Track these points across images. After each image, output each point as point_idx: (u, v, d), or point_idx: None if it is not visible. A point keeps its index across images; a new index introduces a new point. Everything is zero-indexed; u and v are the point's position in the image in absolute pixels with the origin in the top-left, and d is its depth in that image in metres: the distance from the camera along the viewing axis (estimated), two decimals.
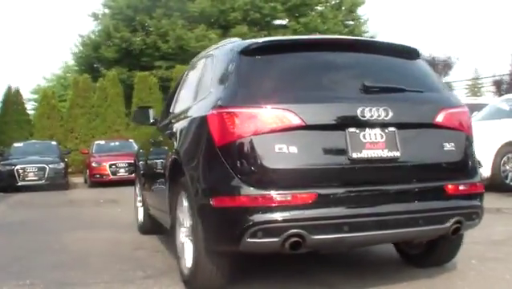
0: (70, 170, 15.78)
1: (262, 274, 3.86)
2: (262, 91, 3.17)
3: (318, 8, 28.87)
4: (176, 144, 3.79)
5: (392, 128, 3.17)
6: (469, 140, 3.43)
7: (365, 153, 3.10)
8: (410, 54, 3.68)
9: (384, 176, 3.18)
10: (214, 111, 3.13)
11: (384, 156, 3.15)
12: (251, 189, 2.95)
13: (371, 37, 29.11)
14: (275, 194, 2.93)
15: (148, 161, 5.35)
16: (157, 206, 4.69)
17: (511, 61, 21.25)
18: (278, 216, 2.92)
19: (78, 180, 17.27)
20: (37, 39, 64.84)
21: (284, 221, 2.92)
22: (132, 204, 6.85)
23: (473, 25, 60.54)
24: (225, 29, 26.75)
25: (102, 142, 17.49)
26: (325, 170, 3.08)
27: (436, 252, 3.79)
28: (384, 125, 3.16)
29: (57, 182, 14.50)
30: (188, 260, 3.52)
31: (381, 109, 3.14)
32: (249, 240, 2.93)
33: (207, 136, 3.16)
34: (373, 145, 3.13)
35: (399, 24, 72.64)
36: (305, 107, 3.07)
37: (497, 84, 18.48)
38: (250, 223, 2.91)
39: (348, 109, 3.15)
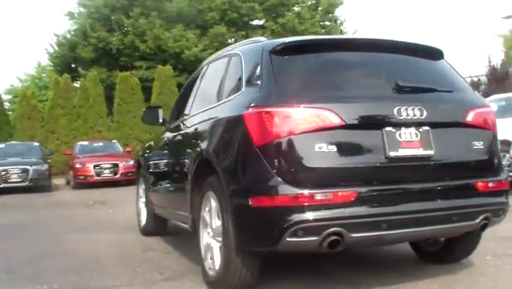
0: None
1: (283, 274, 3.87)
2: (298, 90, 3.18)
3: (296, 8, 28.96)
4: (203, 145, 3.74)
5: (426, 127, 3.21)
6: (495, 139, 3.49)
7: (401, 152, 3.13)
8: (435, 54, 3.73)
9: (419, 174, 3.22)
10: (252, 111, 3.12)
11: (419, 154, 3.18)
12: (292, 188, 2.95)
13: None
14: (316, 193, 2.94)
15: (160, 162, 5.29)
16: (172, 207, 4.64)
17: (488, 62, 21.56)
18: (318, 215, 2.93)
19: (59, 181, 16.99)
20: (8, 39, 63.42)
21: (324, 219, 2.93)
22: (121, 205, 6.88)
23: (449, 25, 61.45)
24: (203, 29, 26.61)
25: (85, 143, 17.22)
26: (364, 169, 3.10)
27: (455, 249, 3.86)
28: (418, 124, 3.19)
29: (40, 184, 14.25)
30: (215, 261, 3.50)
31: (416, 108, 3.18)
32: (288, 239, 2.93)
33: (244, 135, 3.14)
34: (409, 144, 3.15)
35: (375, 24, 73.56)
36: (344, 107, 3.08)
37: (475, 85, 18.81)
38: (291, 222, 2.91)
39: (385, 108, 3.18)
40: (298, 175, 2.99)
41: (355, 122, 3.09)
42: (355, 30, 30.71)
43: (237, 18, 27.65)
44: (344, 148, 3.05)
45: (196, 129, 4.00)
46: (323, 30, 29.11)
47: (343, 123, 3.04)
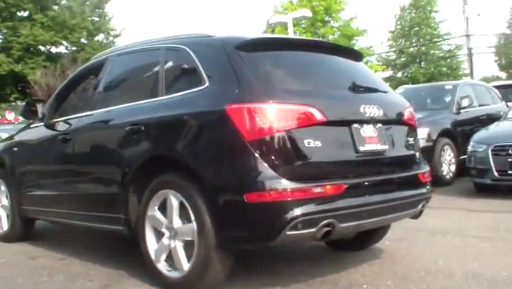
0: None
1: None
2: (282, 87, 3.32)
3: (64, 2, 27.84)
4: (155, 141, 3.61)
5: (379, 125, 3.57)
6: (417, 135, 4.03)
7: (367, 147, 3.45)
8: (360, 56, 4.14)
9: (381, 167, 3.57)
10: (240, 106, 3.12)
11: (379, 149, 3.54)
12: (289, 182, 3.04)
13: (117, 35, 29.35)
14: (312, 186, 3.09)
15: (46, 161, 4.84)
16: (82, 209, 4.26)
17: None
18: (316, 207, 3.09)
19: None
20: None
21: (321, 211, 3.10)
22: None
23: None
24: None
25: None
26: (346, 162, 3.36)
27: (371, 237, 4.29)
28: (376, 122, 3.54)
29: None
30: (180, 262, 3.41)
31: (375, 107, 3.52)
32: (289, 233, 3.03)
33: (229, 130, 3.13)
34: (371, 140, 3.48)
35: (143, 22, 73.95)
36: (325, 104, 3.29)
37: None
38: (293, 216, 3.01)
39: (354, 106, 3.47)
40: (293, 169, 3.11)
41: (335, 118, 3.32)
42: (123, 28, 30.91)
43: (4, 8, 25.76)
44: (328, 143, 3.26)
45: (133, 125, 3.73)
46: (92, 26, 28.55)
47: (325, 119, 3.24)
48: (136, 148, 3.72)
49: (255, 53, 3.45)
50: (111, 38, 29.32)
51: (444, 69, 36.74)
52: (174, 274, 3.47)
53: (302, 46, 3.79)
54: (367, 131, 3.49)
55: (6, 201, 5.41)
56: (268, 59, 3.49)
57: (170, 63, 3.83)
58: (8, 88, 27.80)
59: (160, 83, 3.77)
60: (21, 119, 32.13)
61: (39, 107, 4.84)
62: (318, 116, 3.21)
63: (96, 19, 29.28)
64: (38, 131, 4.95)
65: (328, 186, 3.14)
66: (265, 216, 3.07)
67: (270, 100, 3.13)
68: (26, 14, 27.34)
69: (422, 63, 37.58)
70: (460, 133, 9.00)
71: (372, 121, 3.53)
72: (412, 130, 3.92)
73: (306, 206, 3.05)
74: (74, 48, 27.41)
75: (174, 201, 3.44)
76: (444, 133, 8.71)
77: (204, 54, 3.57)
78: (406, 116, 3.87)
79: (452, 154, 8.71)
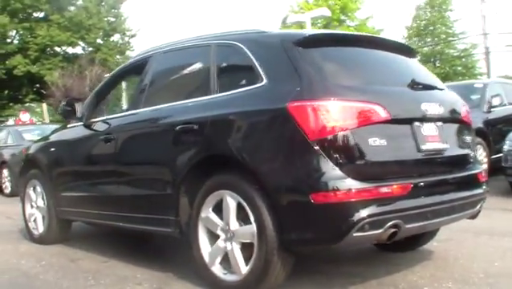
0: None
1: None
2: (345, 84, 3.20)
3: (80, 2, 27.88)
4: (209, 140, 3.50)
5: (440, 123, 3.46)
6: (473, 134, 3.90)
7: (429, 146, 3.33)
8: (414, 53, 4.02)
9: (443, 166, 3.45)
10: (302, 104, 3.01)
11: (440, 148, 3.41)
12: (357, 182, 2.94)
13: (133, 35, 29.33)
14: (378, 186, 2.98)
15: (87, 161, 4.72)
16: (130, 211, 4.15)
17: None
18: (384, 208, 2.97)
19: None
20: None
21: (388, 212, 2.99)
22: None
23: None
24: None
25: None
26: (410, 162, 3.25)
27: (421, 237, 4.14)
28: (436, 120, 3.43)
29: None
30: (238, 265, 3.30)
31: (435, 105, 3.39)
32: (355, 234, 2.91)
33: (291, 129, 3.02)
34: (432, 138, 3.36)
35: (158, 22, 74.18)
36: (388, 101, 3.18)
37: None
38: (361, 217, 2.89)
39: (415, 104, 3.36)
40: (359, 169, 3.00)
41: (398, 116, 3.20)
42: (139, 29, 30.92)
43: (21, 9, 25.86)
44: (392, 142, 3.14)
45: (185, 124, 3.62)
46: (109, 27, 28.53)
47: (390, 117, 3.13)
48: (188, 148, 3.61)
49: (314, 49, 3.33)
50: (126, 39, 29.26)
51: (460, 68, 36.48)
52: (230, 278, 3.36)
53: (359, 42, 3.66)
54: (428, 129, 3.37)
55: (41, 203, 5.32)
56: (327, 55, 3.37)
57: (222, 60, 3.72)
58: (24, 89, 27.87)
59: (212, 81, 3.66)
60: (35, 119, 32.48)
61: (78, 107, 4.75)
62: (383, 114, 3.10)
63: (112, 19, 29.21)
64: (76, 131, 4.86)
65: (395, 186, 3.02)
66: (331, 217, 2.95)
67: (334, 98, 3.02)
68: (42, 14, 27.37)
69: (437, 63, 37.30)
70: (491, 132, 8.83)
71: (433, 119, 3.41)
72: (468, 128, 3.80)
73: (374, 207, 2.94)
74: (90, 49, 27.37)
75: (231, 202, 3.32)
76: (476, 132, 8.52)
77: (260, 51, 3.45)
78: (463, 113, 3.76)
79: (484, 153, 8.55)
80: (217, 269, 3.44)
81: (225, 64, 3.72)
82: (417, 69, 3.86)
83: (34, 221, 5.43)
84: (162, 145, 3.86)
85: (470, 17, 69.73)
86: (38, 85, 27.54)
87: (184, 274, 3.83)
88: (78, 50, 28.02)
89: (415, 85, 3.48)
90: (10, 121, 30.29)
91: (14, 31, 26.69)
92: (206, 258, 3.50)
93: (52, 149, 5.12)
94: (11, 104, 30.60)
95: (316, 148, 2.95)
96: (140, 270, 4.08)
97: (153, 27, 66.50)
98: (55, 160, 5.06)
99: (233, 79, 3.63)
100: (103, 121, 4.60)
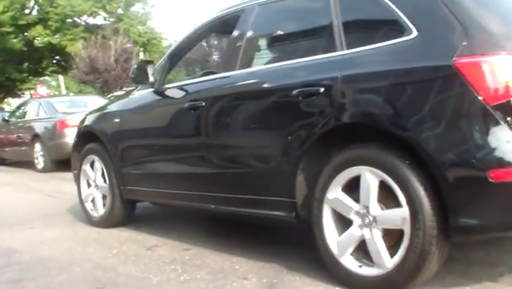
0: None
1: None
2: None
3: None
4: (347, 106, 2.78)
5: None
6: None
7: None
8: None
9: None
10: (478, 60, 2.35)
11: None
12: None
13: (154, 5, 28.39)
14: None
15: (168, 135, 4.00)
16: (228, 191, 3.48)
17: None
18: None
19: None
20: None
21: None
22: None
23: None
24: None
25: None
26: None
27: None
28: None
29: None
30: (382, 257, 2.65)
31: None
32: None
33: (461, 91, 2.37)
34: None
35: None
36: None
37: None
38: None
39: None
40: None
41: None
42: None
43: None
44: None
45: (306, 87, 2.92)
46: None
47: None
48: (309, 116, 2.91)
49: None
50: (147, 8, 28.42)
51: None
52: (368, 272, 2.72)
53: None
54: None
55: (101, 181, 4.68)
56: (490, 2, 2.73)
57: (349, 10, 2.99)
58: (44, 62, 27.27)
59: (336, 35, 2.93)
60: (51, 93, 31.76)
61: (150, 70, 4.03)
62: None
63: None
64: (146, 98, 4.16)
65: None
66: None
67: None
68: None
69: None
70: None
71: None
72: None
73: None
74: (112, 19, 26.61)
75: (372, 181, 2.66)
76: None
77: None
78: None
79: None
80: (349, 261, 2.80)
81: (353, 14, 3.01)
82: None
83: (93, 201, 4.80)
84: (272, 113, 3.14)
85: None
86: (58, 57, 26.91)
87: (299, 266, 3.18)
88: (99, 20, 27.29)
89: None
90: (27, 95, 29.83)
91: (33, 1, 25.93)
92: (334, 247, 2.85)
93: (116, 120, 4.41)
94: (30, 78, 30.06)
95: (496, 114, 2.31)
96: (236, 260, 3.43)
97: None
98: (121, 132, 4.35)
99: (367, 32, 2.97)
100: (183, 87, 3.92)
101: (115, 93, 18.64)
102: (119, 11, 27.05)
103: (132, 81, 4.15)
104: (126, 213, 4.61)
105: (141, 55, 24.89)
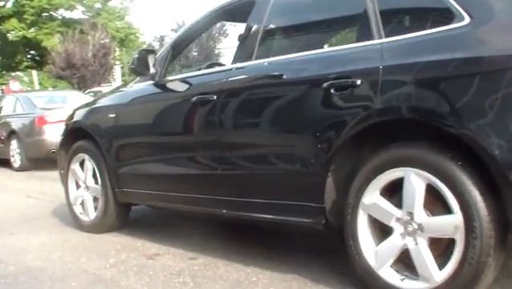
0: None
1: None
2: None
3: None
4: (391, 100, 2.43)
5: None
6: None
7: None
8: None
9: None
10: None
11: None
12: None
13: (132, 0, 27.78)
14: None
15: (166, 131, 3.66)
16: (229, 196, 3.15)
17: None
18: None
19: None
20: None
21: None
22: None
23: None
24: None
25: None
26: None
27: None
28: None
29: None
30: (430, 270, 2.34)
31: None
32: None
33: None
34: None
35: None
36: None
37: None
38: None
39: None
40: None
41: None
42: None
43: None
44: None
45: (339, 79, 2.58)
46: None
47: None
48: (344, 111, 2.58)
49: None
50: (125, 3, 27.78)
51: None
52: (412, 286, 2.41)
53: None
54: None
55: (92, 182, 4.29)
56: None
57: None
58: (19, 56, 26.43)
59: (373, 22, 2.61)
60: (24, 89, 30.91)
61: (150, 61, 3.65)
62: None
63: None
64: (146, 91, 3.78)
65: None
66: None
67: None
68: None
69: None
70: None
71: None
72: None
73: None
74: (89, 14, 25.95)
75: (418, 184, 2.35)
76: None
77: None
78: None
79: None
80: (389, 273, 2.49)
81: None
82: None
83: (82, 204, 4.41)
84: (298, 108, 2.79)
85: None
86: (33, 51, 26.13)
87: (324, 277, 2.86)
88: (76, 14, 26.57)
89: None
90: None
91: None
92: (370, 258, 2.53)
93: (111, 115, 4.00)
94: (4, 73, 29.20)
95: None
96: (251, 270, 3.09)
97: None
98: (117, 128, 3.94)
99: (408, 19, 2.66)
100: (187, 79, 3.57)
101: (93, 89, 18.20)
102: (97, 5, 26.39)
103: (132, 72, 3.76)
104: (120, 217, 4.23)
105: (117, 52, 24.37)
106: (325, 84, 2.61)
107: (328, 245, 3.33)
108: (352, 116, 2.53)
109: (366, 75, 2.50)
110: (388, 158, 2.46)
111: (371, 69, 2.49)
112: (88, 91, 15.68)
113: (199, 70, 3.93)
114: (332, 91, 2.59)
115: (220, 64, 4.04)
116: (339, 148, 2.58)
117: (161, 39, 27.19)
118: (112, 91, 4.47)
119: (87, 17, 25.48)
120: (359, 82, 2.50)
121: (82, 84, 20.34)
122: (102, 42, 20.99)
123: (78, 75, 20.68)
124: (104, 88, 19.04)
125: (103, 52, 20.91)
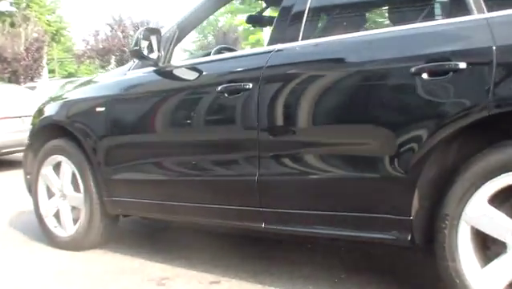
0: None
1: None
2: None
3: None
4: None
5: None
6: None
7: None
8: None
9: None
10: None
11: None
12: None
13: None
14: None
15: (180, 129, 3.01)
16: (271, 207, 2.56)
17: None
18: None
19: None
20: None
21: None
22: None
23: None
24: None
25: None
26: None
27: None
28: None
29: None
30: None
31: None
32: None
33: None
34: None
35: None
36: None
37: None
38: None
39: None
40: None
41: None
42: None
43: None
44: None
45: (433, 61, 2.07)
46: None
47: None
48: (441, 102, 2.06)
49: None
50: None
51: None
52: None
53: None
54: None
55: (70, 189, 3.60)
56: None
57: None
58: None
59: None
60: None
61: (154, 43, 3.01)
62: None
63: None
64: (148, 79, 3.14)
65: None
66: None
67: None
68: None
69: None
70: None
71: None
72: None
73: None
74: (17, 5, 24.39)
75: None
76: None
77: None
78: None
79: None
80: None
81: None
82: None
83: (57, 216, 3.71)
84: (374, 98, 2.23)
85: None
86: None
87: None
88: (4, 6, 24.82)
89: None
90: None
91: None
92: (474, 282, 2.04)
93: (100, 109, 3.31)
94: None
95: None
96: None
97: None
98: (109, 125, 3.28)
99: None
100: (203, 64, 2.99)
101: (27, 84, 16.96)
102: None
103: (133, 56, 3.08)
104: (106, 231, 3.57)
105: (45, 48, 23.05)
106: (413, 69, 2.09)
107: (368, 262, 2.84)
108: (452, 107, 2.02)
109: (474, 56, 2.00)
110: (504, 160, 1.97)
111: (481, 49, 2.00)
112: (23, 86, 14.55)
113: (208, 55, 3.33)
114: (424, 76, 2.08)
115: (230, 49, 3.45)
116: (433, 147, 2.08)
117: (96, 34, 26.18)
118: (99, 80, 3.77)
119: (15, 9, 23.91)
120: (463, 65, 2.00)
121: (14, 79, 18.99)
122: (35, 35, 19.73)
123: (9, 69, 19.33)
124: (38, 84, 17.88)
125: (36, 46, 19.66)
